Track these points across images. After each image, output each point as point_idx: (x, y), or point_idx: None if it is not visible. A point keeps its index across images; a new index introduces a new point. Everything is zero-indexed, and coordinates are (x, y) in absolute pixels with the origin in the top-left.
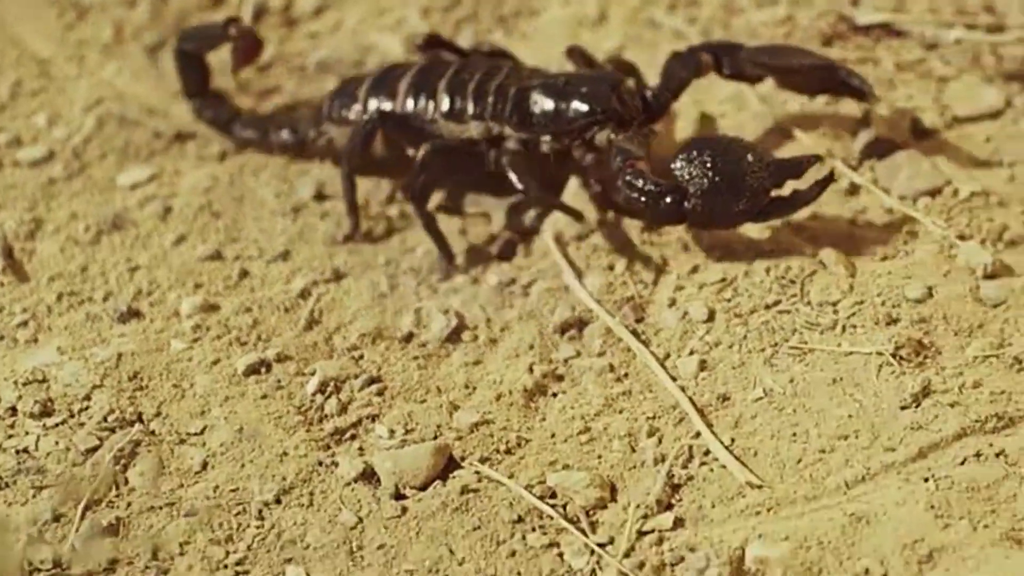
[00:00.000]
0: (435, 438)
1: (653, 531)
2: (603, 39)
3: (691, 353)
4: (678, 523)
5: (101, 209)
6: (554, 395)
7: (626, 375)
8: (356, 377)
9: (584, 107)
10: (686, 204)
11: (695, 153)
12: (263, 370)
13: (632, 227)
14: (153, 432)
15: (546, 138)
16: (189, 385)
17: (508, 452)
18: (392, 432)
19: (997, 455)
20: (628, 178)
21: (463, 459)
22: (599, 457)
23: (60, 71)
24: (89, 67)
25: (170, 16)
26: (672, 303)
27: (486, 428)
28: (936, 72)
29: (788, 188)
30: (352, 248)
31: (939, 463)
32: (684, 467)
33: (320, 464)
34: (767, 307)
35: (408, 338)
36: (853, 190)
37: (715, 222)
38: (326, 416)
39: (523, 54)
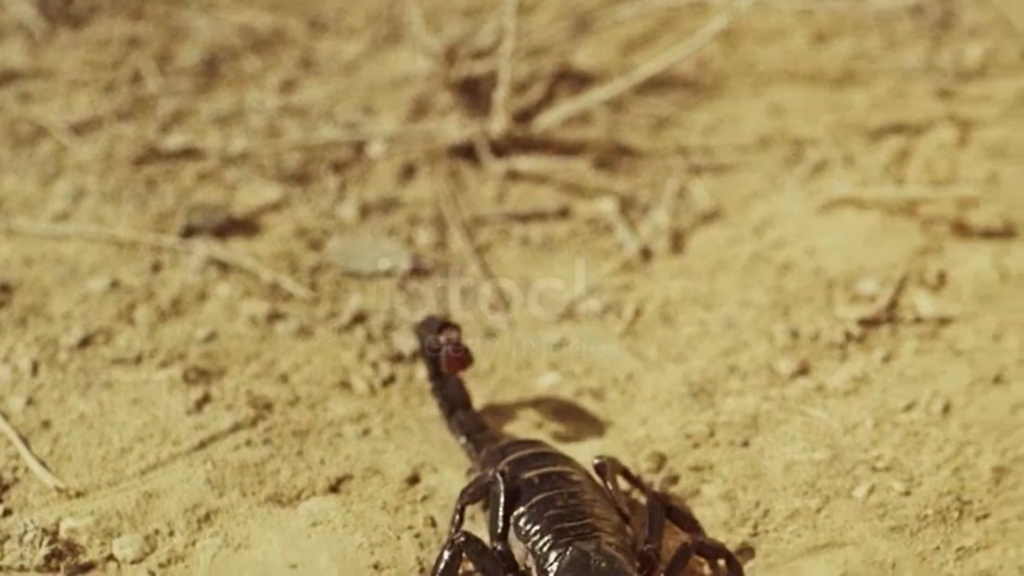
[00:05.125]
0: None
1: None
2: None
3: (20, 395)
4: (7, 512)
5: None
6: None
7: None
8: None
9: None
10: None
11: None
12: None
13: None
14: None
15: None
16: None
17: None
18: None
19: (264, 442)
20: None
21: None
22: None
23: None
24: None
25: None
26: (6, 360)
27: None
28: (226, 178)
29: None
30: None
31: (217, 451)
32: (12, 472)
33: None
34: (83, 357)
35: None
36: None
37: None
38: None
39: None
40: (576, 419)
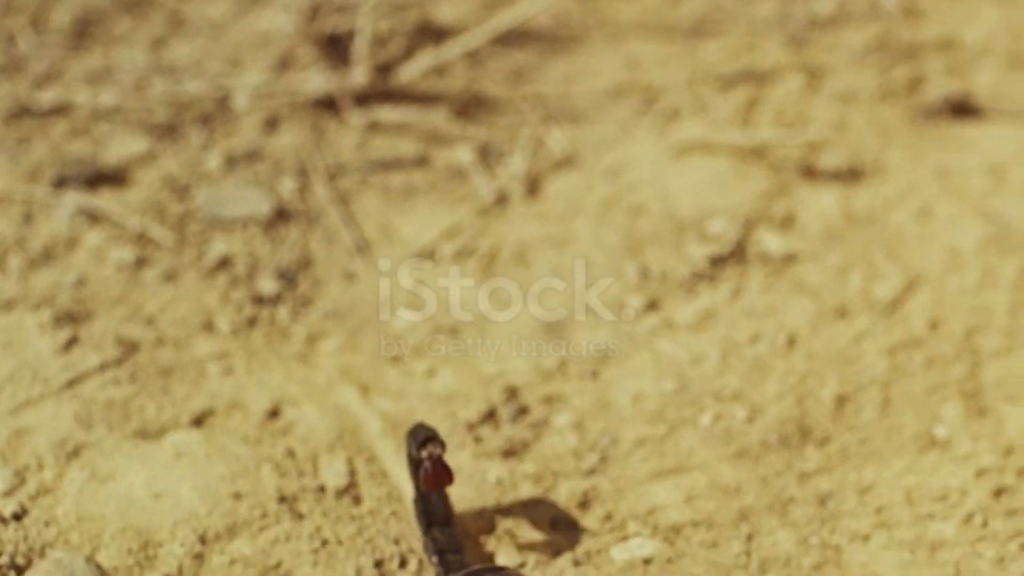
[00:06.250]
0: None
1: None
2: None
3: None
4: None
5: None
6: None
7: None
8: None
9: None
10: None
11: None
12: None
13: None
14: None
15: None
16: None
17: None
18: None
19: (131, 380)
20: None
21: None
22: None
23: None
24: None
25: None
26: None
27: None
28: (96, 132)
29: None
30: None
31: (84, 390)
32: None
33: None
34: None
35: None
36: None
37: None
38: None
39: None
40: (432, 356)
